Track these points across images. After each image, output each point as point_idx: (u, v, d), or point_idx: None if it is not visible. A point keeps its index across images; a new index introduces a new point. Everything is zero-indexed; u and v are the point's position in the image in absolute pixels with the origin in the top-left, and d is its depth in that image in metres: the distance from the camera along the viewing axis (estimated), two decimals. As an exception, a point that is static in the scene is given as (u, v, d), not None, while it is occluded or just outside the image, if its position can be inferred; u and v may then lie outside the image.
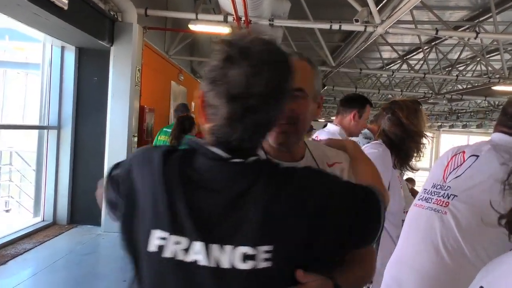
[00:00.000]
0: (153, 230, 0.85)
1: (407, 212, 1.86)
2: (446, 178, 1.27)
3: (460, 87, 12.79)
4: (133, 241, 0.90)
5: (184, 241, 0.84)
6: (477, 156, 1.26)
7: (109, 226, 4.80)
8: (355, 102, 2.71)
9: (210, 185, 0.87)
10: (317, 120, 22.59)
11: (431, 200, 1.26)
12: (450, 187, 1.23)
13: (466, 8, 7.28)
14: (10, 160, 7.99)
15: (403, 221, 1.80)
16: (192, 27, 5.32)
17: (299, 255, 0.85)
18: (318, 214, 0.85)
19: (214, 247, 0.82)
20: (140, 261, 0.89)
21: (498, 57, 8.27)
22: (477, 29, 7.33)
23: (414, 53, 10.56)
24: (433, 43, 9.34)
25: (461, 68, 10.71)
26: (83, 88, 5.03)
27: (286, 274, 0.84)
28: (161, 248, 0.84)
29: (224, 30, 5.31)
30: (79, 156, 5.02)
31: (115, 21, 4.83)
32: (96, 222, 4.90)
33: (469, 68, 10.73)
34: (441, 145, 29.33)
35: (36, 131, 5.07)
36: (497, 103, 14.37)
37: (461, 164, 1.26)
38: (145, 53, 5.60)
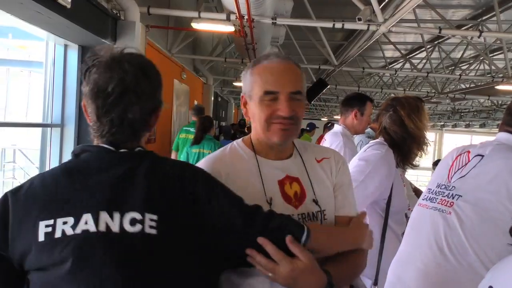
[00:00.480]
0: (40, 222, 0.94)
1: (411, 209, 1.87)
2: (451, 178, 1.26)
3: (463, 86, 12.77)
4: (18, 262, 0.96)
5: (70, 219, 0.93)
6: (482, 156, 1.25)
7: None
8: (355, 101, 2.76)
9: (96, 169, 1.01)
10: (320, 119, 22.60)
11: (436, 200, 1.25)
12: (455, 187, 1.23)
13: (469, 6, 7.26)
14: (14, 157, 8.03)
15: (407, 218, 1.81)
16: (195, 25, 5.32)
17: (186, 231, 0.97)
18: (201, 201, 1.00)
19: (103, 215, 0.94)
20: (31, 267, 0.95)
21: (502, 56, 8.24)
22: (480, 28, 7.31)
23: (417, 52, 10.54)
24: (436, 42, 9.32)
25: (464, 67, 10.68)
26: (86, 86, 5.06)
27: (173, 244, 0.96)
28: (49, 234, 0.93)
29: (226, 28, 5.31)
30: (81, 154, 5.05)
31: (118, 19, 4.84)
32: (99, 220, 4.93)
33: (472, 67, 10.71)
34: (444, 144, 29.30)
35: (39, 129, 5.09)
36: (500, 102, 14.33)
37: (466, 164, 1.25)
38: (147, 52, 5.61)
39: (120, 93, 1.01)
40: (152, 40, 6.09)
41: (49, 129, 4.97)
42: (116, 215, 0.94)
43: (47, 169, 5.03)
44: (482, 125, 21.33)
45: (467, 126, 22.59)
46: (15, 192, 1.00)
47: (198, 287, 0.99)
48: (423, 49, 8.94)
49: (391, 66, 11.60)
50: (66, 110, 4.98)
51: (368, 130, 3.04)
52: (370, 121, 2.82)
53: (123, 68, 1.02)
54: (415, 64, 10.08)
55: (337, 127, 2.75)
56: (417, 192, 2.18)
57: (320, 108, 24.29)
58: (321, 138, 6.28)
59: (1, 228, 0.96)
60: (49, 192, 0.98)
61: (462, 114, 19.39)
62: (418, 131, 1.81)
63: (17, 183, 5.13)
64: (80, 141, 5.01)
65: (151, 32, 5.60)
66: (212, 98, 12.00)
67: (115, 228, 0.93)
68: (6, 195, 1.00)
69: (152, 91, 1.09)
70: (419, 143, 1.82)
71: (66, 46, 4.99)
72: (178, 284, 0.96)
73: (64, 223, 0.93)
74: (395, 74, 10.09)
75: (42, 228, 0.93)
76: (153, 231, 0.93)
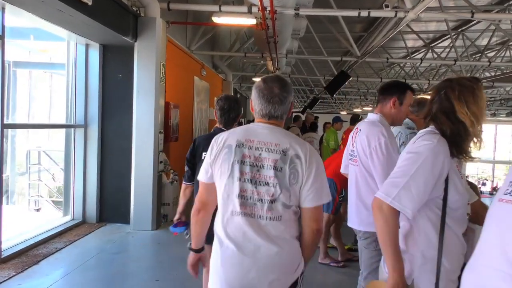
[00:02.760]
0: (203, 152, 2.62)
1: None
2: None
3: (487, 74, 12.32)
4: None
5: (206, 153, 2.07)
6: None
7: (138, 224, 4.77)
8: (394, 88, 2.53)
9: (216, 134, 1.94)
10: (339, 113, 22.22)
11: None
12: None
13: (497, -10, 6.94)
14: (39, 159, 8.08)
15: (468, 214, 1.63)
16: (216, 19, 5.21)
17: None
18: None
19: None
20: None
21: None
22: (508, 11, 6.98)
23: (439, 41, 10.19)
24: (459, 30, 8.99)
25: (490, 55, 10.27)
26: (108, 86, 5.00)
27: None
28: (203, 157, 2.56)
29: (248, 21, 5.19)
30: (106, 154, 5.00)
31: (138, 16, 4.76)
32: (125, 220, 4.88)
33: (498, 54, 10.29)
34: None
35: (63, 130, 5.07)
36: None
37: None
38: (168, 49, 5.54)
39: (228, 109, 2.62)
40: (171, 37, 6.02)
41: (72, 130, 4.95)
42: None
43: (72, 170, 5.05)
44: (509, 114, 20.65)
45: (493, 115, 21.92)
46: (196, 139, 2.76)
47: None
48: (446, 37, 8.58)
49: (413, 56, 11.08)
50: (89, 111, 4.95)
51: (407, 120, 2.83)
52: (409, 111, 2.60)
53: (228, 100, 2.65)
54: (438, 53, 9.74)
55: (372, 116, 2.53)
56: (471, 186, 1.99)
57: (339, 101, 23.94)
58: (349, 131, 6.09)
59: (193, 148, 2.67)
60: (201, 139, 2.67)
61: (488, 102, 18.81)
62: (471, 116, 1.58)
63: (42, 185, 5.16)
64: (104, 140, 4.98)
65: (170, 29, 5.52)
66: (232, 95, 11.92)
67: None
68: (194, 139, 2.75)
69: (237, 107, 2.65)
70: (473, 131, 1.60)
71: (87, 45, 4.95)
72: None
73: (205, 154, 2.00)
74: (420, 63, 9.73)
75: (202, 155, 2.54)
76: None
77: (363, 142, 2.43)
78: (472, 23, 8.36)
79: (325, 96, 18.04)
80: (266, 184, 1.60)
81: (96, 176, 4.93)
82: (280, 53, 7.87)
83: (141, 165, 4.72)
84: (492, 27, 7.91)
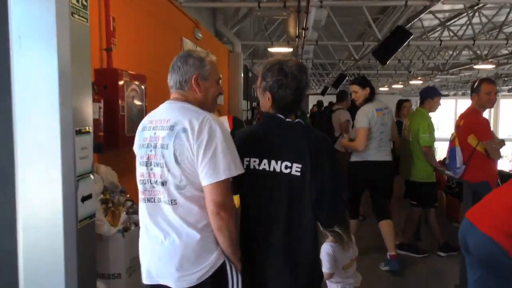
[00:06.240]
0: (245, 158, 1.74)
1: None
2: None
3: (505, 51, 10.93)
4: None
5: (258, 160, 1.72)
6: None
7: None
8: None
9: (278, 132, 1.76)
10: (379, 90, 19.30)
11: None
12: None
13: None
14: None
15: None
16: None
17: (310, 174, 1.69)
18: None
19: (273, 161, 1.69)
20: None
21: None
22: None
23: (455, 19, 9.26)
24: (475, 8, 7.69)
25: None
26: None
27: (306, 182, 1.67)
28: (248, 165, 1.73)
29: None
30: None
31: None
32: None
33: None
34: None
35: None
36: None
37: None
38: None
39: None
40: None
41: None
42: (279, 162, 1.69)
43: None
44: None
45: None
46: None
47: (310, 217, 1.73)
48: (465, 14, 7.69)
49: (429, 34, 10.36)
50: None
51: None
52: None
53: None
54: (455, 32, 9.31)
55: None
56: None
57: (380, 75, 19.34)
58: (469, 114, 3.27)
59: None
60: (241, 138, 1.85)
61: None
62: None
63: None
64: None
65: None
66: (242, 74, 8.99)
67: (277, 169, 1.68)
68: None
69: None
70: None
71: None
72: (306, 208, 1.70)
73: (255, 161, 1.72)
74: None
75: (250, 161, 1.75)
76: (297, 174, 1.67)
77: None
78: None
79: (351, 72, 15.37)
80: (157, 164, 1.52)
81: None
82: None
83: (36, 209, 2.07)
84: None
